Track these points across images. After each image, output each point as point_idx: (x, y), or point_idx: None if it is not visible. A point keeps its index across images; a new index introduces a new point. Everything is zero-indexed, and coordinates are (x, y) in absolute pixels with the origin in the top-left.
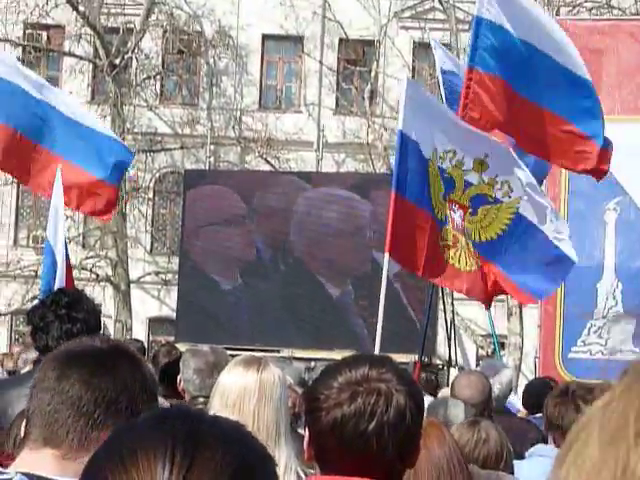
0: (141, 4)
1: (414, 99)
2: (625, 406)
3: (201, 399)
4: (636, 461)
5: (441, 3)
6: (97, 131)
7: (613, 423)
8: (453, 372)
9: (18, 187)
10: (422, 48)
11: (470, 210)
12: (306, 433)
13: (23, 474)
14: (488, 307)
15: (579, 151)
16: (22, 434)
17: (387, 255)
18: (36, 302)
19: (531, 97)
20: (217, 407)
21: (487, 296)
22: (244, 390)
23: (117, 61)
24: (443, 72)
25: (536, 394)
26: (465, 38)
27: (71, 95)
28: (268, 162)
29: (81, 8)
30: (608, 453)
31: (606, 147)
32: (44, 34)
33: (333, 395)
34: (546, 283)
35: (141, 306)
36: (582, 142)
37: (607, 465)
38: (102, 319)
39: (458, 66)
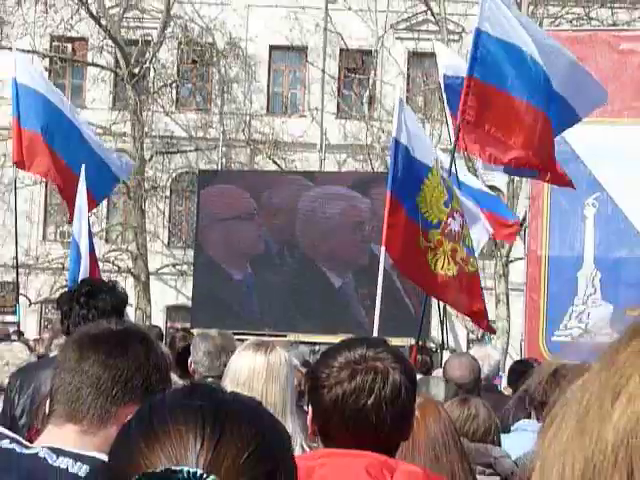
0: (158, 18)
1: (407, 115)
2: (600, 385)
3: (210, 379)
4: (608, 430)
5: (433, 16)
6: (100, 155)
7: (589, 398)
8: (445, 354)
9: (47, 186)
10: (416, 57)
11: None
12: (309, 410)
13: (48, 448)
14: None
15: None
16: (47, 411)
17: (383, 248)
18: (65, 290)
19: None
20: (229, 387)
21: (463, 304)
22: (253, 371)
23: (136, 70)
24: (447, 78)
25: (520, 373)
26: (456, 48)
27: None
28: (275, 163)
29: (103, 22)
30: (584, 423)
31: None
32: (69, 46)
33: (334, 374)
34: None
35: (160, 295)
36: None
37: (583, 432)
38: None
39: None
